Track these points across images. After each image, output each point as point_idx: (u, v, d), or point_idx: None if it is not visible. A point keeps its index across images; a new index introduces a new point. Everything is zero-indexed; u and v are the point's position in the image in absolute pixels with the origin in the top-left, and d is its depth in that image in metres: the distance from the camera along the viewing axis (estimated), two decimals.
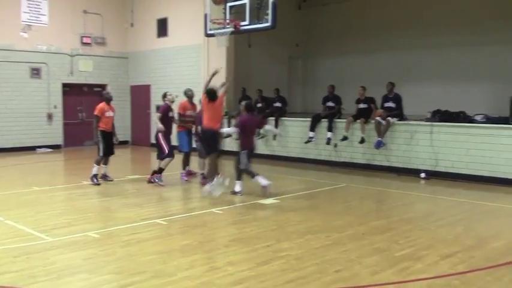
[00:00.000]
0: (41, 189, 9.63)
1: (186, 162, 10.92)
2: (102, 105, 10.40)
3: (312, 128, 13.31)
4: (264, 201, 8.58)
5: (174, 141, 10.70)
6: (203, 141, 9.59)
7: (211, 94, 9.05)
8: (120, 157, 14.12)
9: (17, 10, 16.45)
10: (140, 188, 9.74)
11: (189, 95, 11.12)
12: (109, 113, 10.43)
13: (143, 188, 9.81)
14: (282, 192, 9.54)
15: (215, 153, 9.12)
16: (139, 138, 18.96)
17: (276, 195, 9.07)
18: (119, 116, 14.19)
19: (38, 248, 5.86)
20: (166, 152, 10.02)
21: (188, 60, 16.91)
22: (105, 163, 10.50)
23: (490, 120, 10.74)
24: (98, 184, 9.96)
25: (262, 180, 8.92)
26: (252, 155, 9.29)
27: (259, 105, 14.86)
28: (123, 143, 17.84)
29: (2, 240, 6.21)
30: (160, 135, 10.16)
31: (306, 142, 13.38)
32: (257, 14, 13.15)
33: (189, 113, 10.77)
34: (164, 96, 10.66)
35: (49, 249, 5.78)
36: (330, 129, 12.99)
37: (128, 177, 11.10)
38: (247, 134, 9.07)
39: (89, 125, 18.75)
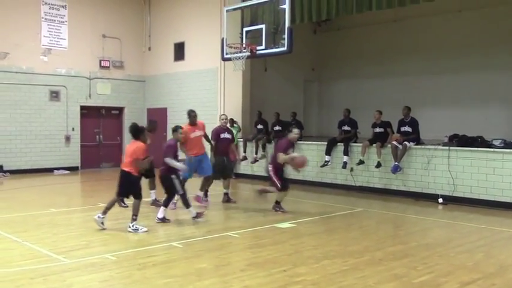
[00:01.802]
0: (58, 210, 9.70)
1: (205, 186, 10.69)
2: (185, 127, 9.71)
3: (328, 152, 13.28)
4: (280, 225, 8.54)
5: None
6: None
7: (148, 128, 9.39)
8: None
9: (37, 34, 16.84)
10: (155, 210, 9.72)
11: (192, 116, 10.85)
12: (194, 134, 9.97)
13: (156, 210, 9.78)
14: (299, 216, 9.51)
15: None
16: (157, 161, 19.05)
17: (293, 219, 9.04)
18: None
19: (55, 269, 5.89)
20: (279, 186, 9.65)
21: (204, 84, 17.08)
22: (153, 187, 10.19)
23: (508, 145, 10.63)
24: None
25: (193, 211, 8.71)
26: (183, 180, 8.98)
27: (276, 128, 14.93)
28: None
29: (19, 261, 6.25)
30: (272, 168, 9.64)
31: (322, 166, 13.35)
32: (273, 38, 13.31)
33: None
34: (175, 130, 9.11)
35: (66, 271, 5.80)
36: (346, 153, 12.95)
37: (145, 199, 11.11)
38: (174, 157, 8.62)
39: (106, 147, 19.06)
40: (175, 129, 8.80)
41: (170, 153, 8.45)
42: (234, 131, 15.43)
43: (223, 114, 11.13)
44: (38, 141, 16.95)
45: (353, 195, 12.25)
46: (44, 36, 17.01)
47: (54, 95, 17.38)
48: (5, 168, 16.16)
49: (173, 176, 8.46)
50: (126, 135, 18.83)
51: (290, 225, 8.58)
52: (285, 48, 12.85)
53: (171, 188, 8.50)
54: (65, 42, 17.45)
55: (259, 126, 15.44)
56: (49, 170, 16.88)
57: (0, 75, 16.25)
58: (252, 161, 15.01)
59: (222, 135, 10.47)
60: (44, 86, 17.12)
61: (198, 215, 8.70)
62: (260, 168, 15.12)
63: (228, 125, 14.76)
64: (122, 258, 6.37)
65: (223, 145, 10.44)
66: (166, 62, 18.57)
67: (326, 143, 13.40)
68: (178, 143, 8.86)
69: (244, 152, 15.18)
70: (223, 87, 16.38)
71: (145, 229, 7.84)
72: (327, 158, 13.27)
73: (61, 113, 17.52)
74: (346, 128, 13.38)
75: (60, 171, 17.06)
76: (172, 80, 18.38)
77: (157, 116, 18.91)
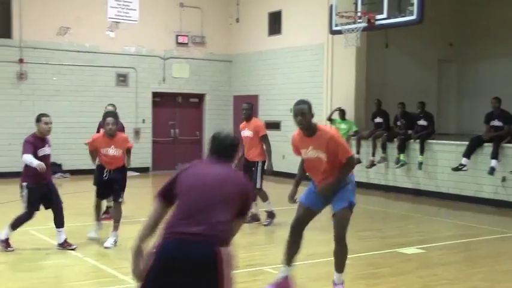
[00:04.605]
0: (124, 221, 10.13)
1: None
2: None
3: (468, 154, 12.82)
4: (404, 250, 8.43)
5: None
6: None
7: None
8: None
9: (103, 5, 17.75)
10: (249, 226, 9.83)
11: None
12: (244, 132, 10.28)
13: (252, 225, 9.91)
14: (429, 239, 9.35)
15: None
16: None
17: (421, 243, 8.88)
18: None
19: None
20: None
21: (306, 64, 17.11)
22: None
23: None
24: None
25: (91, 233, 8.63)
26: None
27: (398, 123, 14.67)
28: None
29: (81, 281, 6.64)
30: None
31: (455, 169, 12.89)
32: (398, 4, 13.08)
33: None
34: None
35: None
36: (495, 156, 12.47)
37: None
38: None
39: (183, 144, 19.65)
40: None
41: None
42: (345, 126, 15.36)
43: None
44: None
45: (505, 214, 11.83)
46: (111, 6, 17.87)
47: (122, 79, 18.21)
48: (64, 168, 17.13)
49: None
50: (208, 129, 19.34)
51: (417, 251, 8.44)
52: (413, 17, 12.62)
53: None
54: (135, 14, 18.22)
55: (378, 120, 15.22)
56: None
57: (60, 55, 17.30)
58: (368, 165, 14.84)
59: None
60: (110, 68, 18.00)
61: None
62: (378, 175, 14.93)
63: (338, 117, 14.68)
64: None
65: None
66: (259, 36, 18.81)
67: (467, 142, 12.97)
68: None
69: (358, 153, 15.02)
70: (331, 68, 16.31)
71: None
72: (463, 160, 12.82)
73: (129, 101, 18.32)
74: (496, 123, 12.89)
75: (128, 173, 17.79)
76: (265, 59, 18.60)
77: None
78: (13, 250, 7.91)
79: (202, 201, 3.90)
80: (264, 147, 10.18)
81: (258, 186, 10.10)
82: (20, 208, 8.05)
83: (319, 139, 5.97)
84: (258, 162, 10.16)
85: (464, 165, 12.84)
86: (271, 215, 10.22)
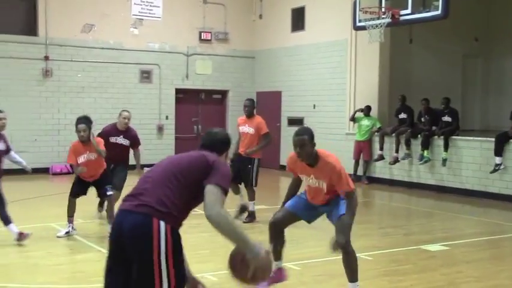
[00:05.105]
0: None
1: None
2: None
3: (499, 152, 12.68)
4: (428, 247, 8.38)
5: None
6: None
7: None
8: None
9: (127, 2, 17.86)
10: (264, 221, 9.86)
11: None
12: (243, 128, 10.32)
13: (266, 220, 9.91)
14: (453, 236, 9.26)
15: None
16: (266, 159, 19.37)
17: (445, 240, 8.81)
18: None
19: None
20: None
21: (330, 60, 17.06)
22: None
23: None
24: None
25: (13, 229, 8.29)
26: None
27: (422, 119, 14.58)
28: None
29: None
30: None
31: (493, 172, 12.76)
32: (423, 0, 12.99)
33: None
34: None
35: None
36: None
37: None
38: None
39: None
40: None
41: None
42: (369, 123, 15.31)
43: None
44: None
45: None
46: (135, 3, 17.98)
47: (145, 76, 18.33)
48: None
49: None
50: (231, 125, 19.37)
51: (442, 248, 8.38)
52: (438, 12, 12.52)
53: None
54: (159, 11, 18.32)
55: (402, 116, 15.13)
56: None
57: (85, 52, 17.45)
58: (391, 162, 14.77)
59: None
60: (134, 64, 18.12)
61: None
62: (402, 171, 14.85)
63: (361, 113, 14.64)
64: (224, 279, 6.52)
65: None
66: (282, 32, 18.80)
67: (493, 139, 12.84)
68: None
69: (381, 149, 14.96)
70: (355, 64, 16.25)
71: None
72: (497, 160, 12.65)
73: (153, 97, 18.45)
74: None
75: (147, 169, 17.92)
76: (288, 55, 18.59)
77: (269, 102, 19.22)
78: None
79: (150, 176, 3.93)
80: (262, 143, 10.16)
81: (253, 184, 10.13)
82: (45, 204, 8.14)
83: (322, 170, 5.73)
84: (254, 159, 10.12)
85: (500, 164, 12.70)
86: (252, 214, 10.18)
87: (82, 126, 8.65)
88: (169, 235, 3.72)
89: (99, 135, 9.67)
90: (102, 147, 8.81)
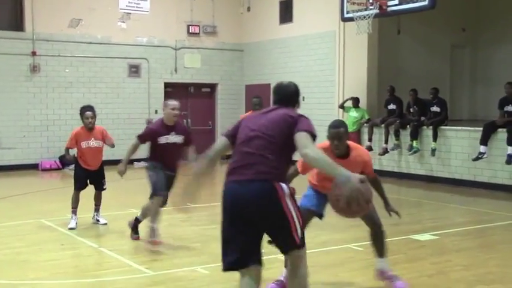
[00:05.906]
0: (139, 211, 10.20)
1: None
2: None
3: (484, 141, 12.77)
4: (418, 237, 8.41)
5: None
6: None
7: None
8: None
9: None
10: None
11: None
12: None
13: None
14: (442, 225, 9.32)
15: None
16: None
17: (435, 230, 8.86)
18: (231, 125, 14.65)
19: (138, 282, 6.23)
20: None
21: (319, 52, 17.08)
22: None
23: None
24: None
25: None
26: None
27: (411, 109, 14.63)
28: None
29: (96, 271, 6.70)
30: None
31: (475, 159, 12.87)
32: None
33: None
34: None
35: (150, 285, 6.11)
36: (510, 142, 12.39)
37: None
38: None
39: (195, 134, 19.57)
40: None
41: None
42: (358, 114, 15.33)
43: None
44: (115, 127, 17.68)
45: None
46: None
47: (134, 70, 18.27)
48: None
49: None
50: (220, 119, 19.41)
51: (431, 237, 8.42)
52: (425, 3, 12.53)
53: None
54: (146, 5, 18.25)
55: (391, 107, 15.17)
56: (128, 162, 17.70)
57: (72, 47, 17.37)
58: (381, 153, 14.81)
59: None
60: (123, 59, 18.07)
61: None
62: (391, 162, 14.90)
63: (350, 105, 14.70)
64: (215, 271, 6.55)
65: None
66: (270, 25, 18.78)
67: (482, 128, 12.91)
68: None
69: (370, 140, 15.00)
70: (343, 55, 16.26)
71: None
72: (482, 148, 12.77)
73: (142, 91, 18.41)
74: (510, 108, 12.81)
75: (141, 164, 17.85)
76: (277, 48, 18.58)
77: (258, 94, 19.21)
78: None
79: (247, 148, 4.43)
80: None
81: None
82: (35, 200, 8.10)
83: (355, 160, 5.67)
84: None
85: (484, 153, 12.78)
86: None
87: (89, 113, 9.08)
88: (286, 189, 4.34)
89: (141, 137, 8.43)
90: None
